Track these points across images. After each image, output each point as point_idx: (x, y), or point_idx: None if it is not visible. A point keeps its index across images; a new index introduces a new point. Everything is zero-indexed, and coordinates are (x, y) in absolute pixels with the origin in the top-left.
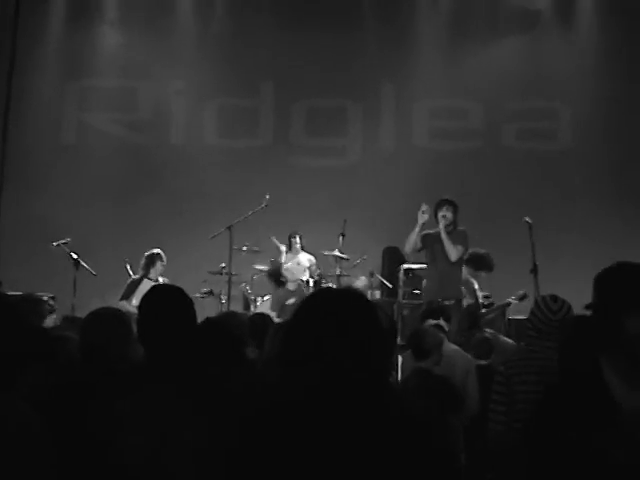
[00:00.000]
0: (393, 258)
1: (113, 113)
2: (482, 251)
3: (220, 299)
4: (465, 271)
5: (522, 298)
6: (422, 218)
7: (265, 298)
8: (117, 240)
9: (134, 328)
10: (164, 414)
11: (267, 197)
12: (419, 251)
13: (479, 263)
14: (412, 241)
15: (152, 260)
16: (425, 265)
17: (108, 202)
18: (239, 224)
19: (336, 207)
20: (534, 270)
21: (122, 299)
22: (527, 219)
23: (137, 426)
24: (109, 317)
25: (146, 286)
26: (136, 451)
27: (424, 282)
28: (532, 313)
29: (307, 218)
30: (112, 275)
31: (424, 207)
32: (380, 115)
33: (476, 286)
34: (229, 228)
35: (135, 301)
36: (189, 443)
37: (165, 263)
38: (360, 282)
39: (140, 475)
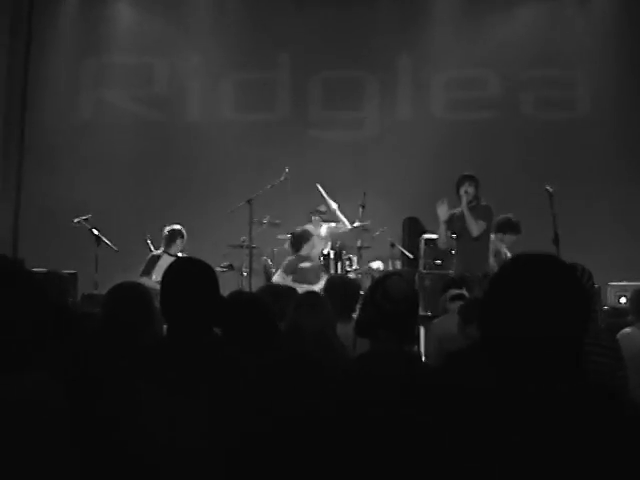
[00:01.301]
0: (413, 229)
1: (130, 90)
2: (508, 215)
3: (242, 272)
4: (494, 240)
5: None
6: (443, 212)
7: None
8: (137, 216)
9: (155, 303)
10: (185, 397)
11: (287, 170)
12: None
13: (504, 226)
14: (442, 238)
15: (172, 236)
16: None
17: (127, 178)
18: (258, 198)
19: (355, 179)
20: (556, 240)
21: (142, 275)
22: (548, 187)
23: (157, 410)
24: (130, 292)
25: (166, 261)
26: (155, 436)
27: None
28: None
29: (327, 190)
30: (133, 251)
31: (440, 203)
32: (397, 87)
33: (509, 254)
34: (249, 202)
35: (155, 276)
36: (209, 428)
37: (185, 239)
38: (375, 264)
39: (158, 459)
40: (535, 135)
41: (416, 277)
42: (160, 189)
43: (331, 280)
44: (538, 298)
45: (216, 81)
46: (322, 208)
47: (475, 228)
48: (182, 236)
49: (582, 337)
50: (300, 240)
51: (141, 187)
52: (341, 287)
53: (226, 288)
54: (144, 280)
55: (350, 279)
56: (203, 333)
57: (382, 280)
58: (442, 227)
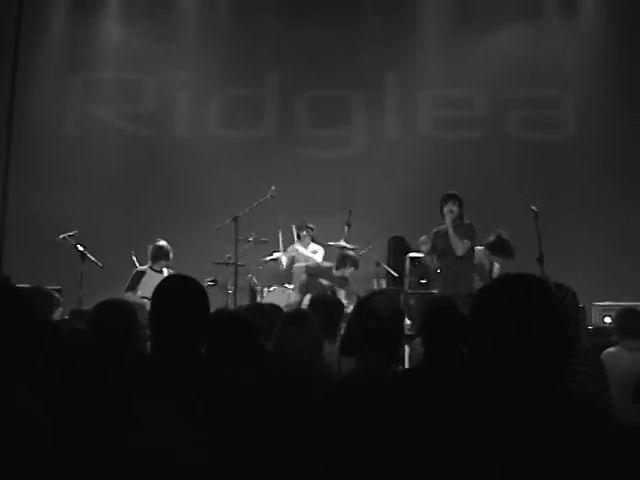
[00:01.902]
0: (399, 247)
1: (117, 106)
2: (505, 236)
3: (227, 289)
4: (480, 254)
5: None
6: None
7: (271, 288)
8: (123, 232)
9: (140, 319)
10: (173, 412)
11: (272, 188)
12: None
13: (495, 248)
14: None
15: (158, 252)
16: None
17: (113, 194)
18: (245, 215)
19: (341, 197)
20: (540, 259)
21: (127, 290)
22: (533, 207)
23: (144, 423)
24: (115, 308)
25: (151, 277)
26: (143, 450)
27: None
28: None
29: (313, 209)
30: (119, 267)
31: (425, 239)
32: (384, 105)
33: (496, 268)
34: (235, 219)
35: (140, 292)
36: (201, 443)
37: (171, 255)
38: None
39: (144, 472)
40: (521, 154)
41: (401, 296)
42: (146, 205)
43: (315, 299)
44: (518, 318)
45: (204, 98)
46: (310, 224)
47: (460, 247)
48: (168, 252)
49: (564, 355)
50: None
51: (127, 203)
52: (325, 305)
53: (211, 305)
54: (128, 295)
55: (334, 298)
56: (190, 351)
57: (367, 299)
58: (429, 257)
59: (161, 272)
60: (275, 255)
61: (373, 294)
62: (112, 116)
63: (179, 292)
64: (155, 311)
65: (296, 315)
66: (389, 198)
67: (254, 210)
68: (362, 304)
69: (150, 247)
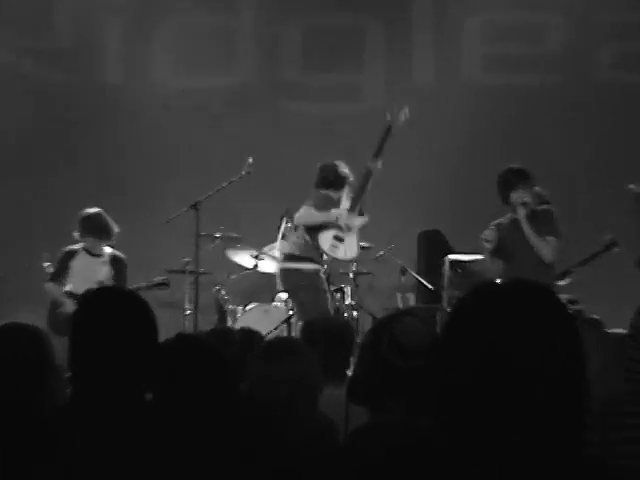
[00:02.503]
0: (433, 246)
1: (19, 40)
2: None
3: (183, 309)
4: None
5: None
6: (488, 246)
7: (248, 307)
8: (29, 228)
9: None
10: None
11: (250, 161)
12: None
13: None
14: (490, 269)
15: (85, 224)
16: (480, 256)
17: (12, 170)
18: (209, 201)
19: (350, 173)
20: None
21: (50, 280)
22: (632, 186)
23: None
24: (13, 337)
25: (84, 264)
26: None
27: None
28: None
29: (308, 189)
30: (23, 276)
31: (490, 232)
32: (413, 38)
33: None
34: (195, 207)
35: (70, 285)
36: None
37: (114, 230)
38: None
39: None
40: (613, 109)
41: (437, 318)
42: (64, 187)
43: (312, 324)
44: (504, 343)
45: (147, 30)
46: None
47: (547, 251)
48: (104, 225)
49: (580, 399)
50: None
51: (35, 183)
52: (327, 333)
53: (161, 330)
54: (50, 288)
55: (341, 322)
56: (128, 400)
57: (388, 323)
58: (489, 258)
59: (100, 256)
60: (256, 261)
61: (396, 316)
62: (10, 54)
63: (109, 313)
64: (74, 344)
65: (281, 346)
66: (419, 175)
67: (223, 193)
68: (380, 331)
69: (78, 217)
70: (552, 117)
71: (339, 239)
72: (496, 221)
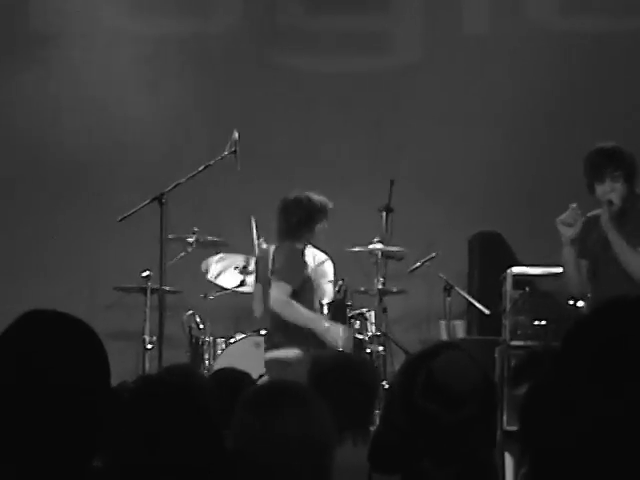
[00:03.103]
0: (491, 255)
1: None
2: None
3: (143, 342)
4: None
5: (609, 203)
6: (568, 232)
7: (234, 339)
8: None
9: None
10: None
11: (235, 136)
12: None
13: None
14: (571, 271)
15: None
16: (555, 268)
17: None
18: (179, 192)
19: (373, 153)
20: None
21: None
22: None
23: None
24: None
25: None
26: None
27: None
28: None
29: (313, 175)
30: None
31: (571, 213)
32: None
33: None
34: (158, 200)
35: None
36: None
37: None
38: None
39: None
40: None
41: (496, 354)
42: None
43: (320, 362)
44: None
45: None
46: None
47: (636, 262)
48: None
49: None
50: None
51: None
52: (342, 376)
53: (116, 369)
54: None
55: (360, 360)
56: (69, 468)
57: (424, 361)
58: (569, 255)
59: None
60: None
61: (435, 351)
62: None
63: (39, 344)
64: None
65: (280, 393)
66: (470, 153)
67: (198, 181)
68: (414, 371)
69: None
70: None
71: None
72: (590, 214)
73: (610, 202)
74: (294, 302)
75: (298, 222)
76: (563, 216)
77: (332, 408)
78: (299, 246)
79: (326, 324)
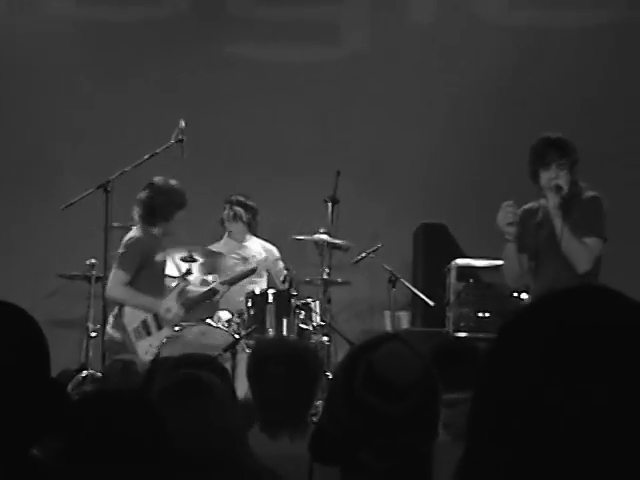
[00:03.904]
0: (436, 247)
1: None
2: None
3: (87, 330)
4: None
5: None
6: (511, 230)
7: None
8: None
9: None
10: None
11: (182, 125)
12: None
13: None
14: (512, 267)
15: None
16: (499, 261)
17: None
18: (125, 180)
19: (320, 144)
20: None
21: None
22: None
23: None
24: None
25: None
26: None
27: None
28: None
29: (260, 165)
30: None
31: (508, 211)
32: None
33: None
34: (104, 188)
35: None
36: None
37: None
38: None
39: None
40: None
41: (440, 345)
42: None
43: (262, 348)
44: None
45: None
46: (244, 199)
47: (583, 255)
48: None
49: None
50: None
51: None
52: (284, 363)
53: (54, 360)
54: None
55: (303, 347)
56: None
57: (366, 352)
58: (511, 249)
59: None
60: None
61: (377, 342)
62: None
63: None
64: None
65: (185, 388)
66: (418, 147)
67: (144, 169)
68: (355, 362)
69: None
70: (605, 69)
71: (147, 327)
72: (527, 205)
73: (559, 188)
74: (128, 288)
75: (155, 208)
76: (502, 216)
77: (273, 397)
78: (153, 232)
79: (166, 304)
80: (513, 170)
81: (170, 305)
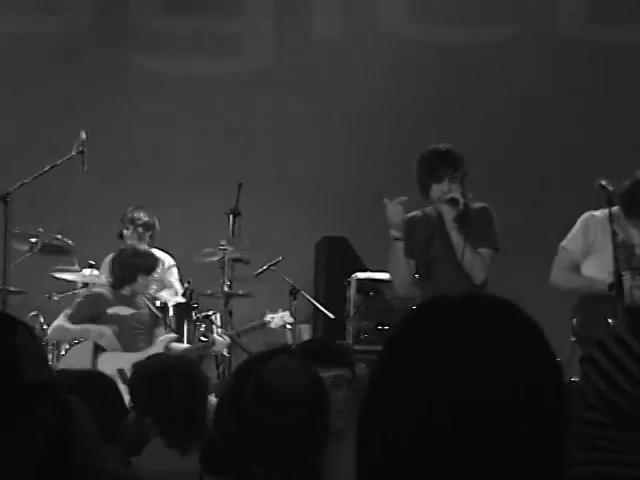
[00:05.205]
0: (337, 260)
1: None
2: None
3: None
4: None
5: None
6: (397, 229)
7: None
8: None
9: None
10: None
11: (82, 137)
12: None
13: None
14: (401, 268)
15: None
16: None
17: None
18: (23, 192)
19: (222, 157)
20: (616, 284)
21: None
22: (603, 182)
23: None
24: None
25: None
26: None
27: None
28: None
29: (162, 177)
30: None
31: (392, 203)
32: None
33: None
34: (3, 200)
35: None
36: None
37: None
38: (275, 320)
39: None
40: (582, 72)
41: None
42: None
43: (144, 366)
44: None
45: None
46: (143, 216)
47: (480, 266)
48: None
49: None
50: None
51: None
52: (171, 376)
53: None
54: None
55: (189, 362)
56: None
57: (254, 365)
58: (397, 254)
59: None
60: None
61: (266, 355)
62: None
63: None
64: None
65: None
66: (321, 161)
67: (44, 181)
68: (244, 376)
69: None
70: (499, 81)
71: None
72: (411, 214)
73: (455, 201)
74: (63, 324)
75: (120, 275)
76: (395, 210)
77: (158, 411)
78: (122, 292)
79: (97, 331)
80: (414, 184)
81: (103, 330)
